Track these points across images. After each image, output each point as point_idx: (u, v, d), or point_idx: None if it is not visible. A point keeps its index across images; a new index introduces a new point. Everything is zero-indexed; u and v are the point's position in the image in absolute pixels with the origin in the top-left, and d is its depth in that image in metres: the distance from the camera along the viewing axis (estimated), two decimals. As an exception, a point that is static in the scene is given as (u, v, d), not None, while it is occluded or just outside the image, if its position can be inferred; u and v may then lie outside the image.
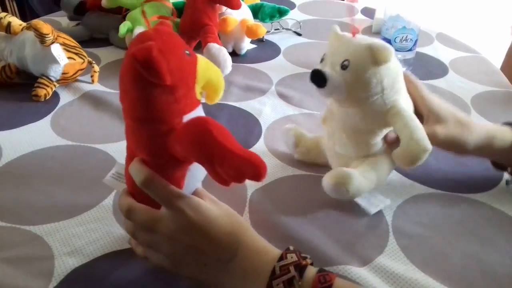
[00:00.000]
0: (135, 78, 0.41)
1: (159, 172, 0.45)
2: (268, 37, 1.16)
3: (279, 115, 0.83)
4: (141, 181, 0.44)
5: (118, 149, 0.72)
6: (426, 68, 1.02)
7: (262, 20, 1.11)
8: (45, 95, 0.85)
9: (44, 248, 0.55)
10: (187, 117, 0.43)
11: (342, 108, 0.58)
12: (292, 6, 1.39)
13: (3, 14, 0.88)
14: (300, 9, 1.38)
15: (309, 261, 0.46)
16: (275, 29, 1.20)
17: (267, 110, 0.85)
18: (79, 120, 0.81)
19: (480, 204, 0.63)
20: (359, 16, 1.34)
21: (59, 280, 0.51)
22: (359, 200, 0.61)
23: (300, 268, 0.44)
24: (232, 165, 0.39)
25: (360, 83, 0.53)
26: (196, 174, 0.48)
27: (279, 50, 1.10)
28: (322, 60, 0.57)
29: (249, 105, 0.86)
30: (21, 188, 0.64)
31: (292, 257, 0.45)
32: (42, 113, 0.82)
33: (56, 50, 0.84)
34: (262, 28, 1.01)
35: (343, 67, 0.53)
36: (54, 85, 0.87)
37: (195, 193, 0.49)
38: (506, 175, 0.67)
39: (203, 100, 0.48)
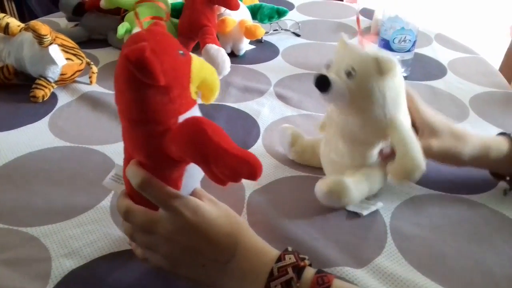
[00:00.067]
0: (129, 79, 0.40)
1: (156, 173, 0.44)
2: (267, 38, 1.16)
3: (277, 116, 0.83)
4: (137, 184, 0.44)
5: (116, 151, 0.72)
6: (425, 69, 1.02)
7: (261, 21, 1.11)
8: (43, 96, 0.85)
9: (41, 250, 0.55)
10: (182, 117, 0.43)
11: (342, 115, 0.59)
12: (291, 7, 1.39)
13: (1, 15, 0.88)
14: (299, 10, 1.38)
15: (307, 262, 0.46)
16: (274, 30, 1.20)
17: (266, 111, 0.85)
18: (77, 121, 0.81)
19: (478, 205, 0.63)
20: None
21: (56, 282, 0.51)
22: (349, 207, 0.61)
23: (298, 270, 0.44)
24: (227, 164, 0.39)
25: (363, 92, 0.54)
26: (194, 174, 0.47)
27: (277, 51, 1.10)
28: (327, 66, 0.57)
29: (248, 106, 0.86)
30: (19, 190, 0.64)
31: (290, 258, 0.45)
32: (40, 114, 0.82)
33: (54, 51, 0.84)
34: (260, 29, 1.01)
35: (349, 75, 0.54)
36: (52, 86, 0.87)
37: (194, 193, 0.49)
38: (503, 183, 0.66)
39: (200, 101, 0.48)
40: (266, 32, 1.15)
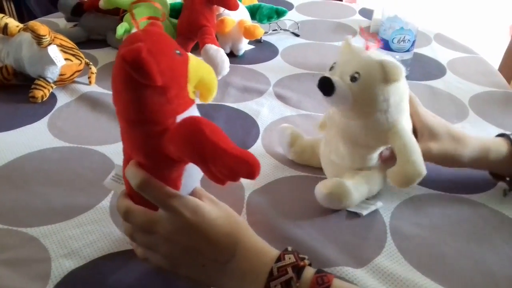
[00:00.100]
0: (126, 79, 0.40)
1: (155, 173, 0.44)
2: (266, 38, 1.16)
3: (276, 116, 0.83)
4: (136, 185, 0.44)
5: (115, 151, 0.72)
6: (424, 69, 1.02)
7: (260, 21, 1.11)
8: (42, 97, 0.85)
9: (40, 250, 0.55)
10: (180, 117, 0.43)
11: (344, 118, 0.58)
12: (290, 7, 1.39)
13: (0, 15, 0.88)
14: (298, 10, 1.38)
15: (307, 262, 0.46)
16: (273, 30, 1.20)
17: (265, 111, 0.85)
18: (76, 122, 0.81)
19: (478, 205, 0.63)
20: (357, 17, 1.34)
21: (56, 283, 0.51)
22: (349, 208, 0.61)
23: (298, 269, 0.44)
24: (225, 163, 0.39)
25: (367, 97, 0.54)
26: (193, 174, 0.47)
27: (277, 51, 1.10)
28: (331, 68, 0.57)
29: (247, 106, 0.86)
30: (18, 190, 0.64)
31: (290, 258, 0.45)
32: (39, 114, 0.82)
33: (53, 51, 0.84)
34: (259, 29, 1.01)
35: (353, 79, 0.53)
36: (51, 87, 0.87)
37: (194, 192, 0.49)
38: (502, 183, 0.66)
39: (199, 101, 0.48)
40: (265, 32, 1.15)
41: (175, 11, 1.05)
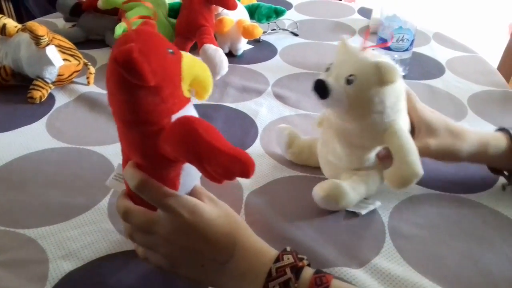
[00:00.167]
0: (119, 81, 0.40)
1: (153, 173, 0.44)
2: (265, 38, 1.16)
3: (275, 116, 0.83)
4: (135, 186, 0.44)
5: (113, 151, 0.72)
6: (423, 68, 1.02)
7: (259, 20, 1.10)
8: (41, 97, 0.85)
9: (38, 251, 0.54)
10: (176, 116, 0.43)
11: (340, 120, 0.58)
12: (289, 6, 1.39)
13: (-2, 16, 0.88)
14: (297, 9, 1.38)
15: (305, 262, 0.46)
16: (272, 30, 1.20)
17: (264, 111, 0.84)
18: (75, 122, 0.80)
19: (476, 205, 0.63)
20: (356, 16, 1.34)
21: (54, 284, 0.51)
22: (347, 208, 0.61)
23: (297, 270, 0.44)
24: (219, 163, 0.39)
25: (362, 100, 0.53)
26: (191, 173, 0.47)
27: (275, 51, 1.09)
28: (327, 69, 0.56)
29: (246, 106, 0.86)
30: (16, 191, 0.64)
31: (288, 259, 0.45)
32: (37, 115, 0.82)
33: (51, 52, 0.84)
34: (258, 29, 1.00)
35: (348, 81, 0.53)
36: (50, 87, 0.87)
37: (193, 191, 0.49)
38: (502, 179, 0.66)
39: (198, 101, 0.47)
40: (264, 32, 1.14)
41: (173, 11, 1.05)
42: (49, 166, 0.69)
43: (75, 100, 0.87)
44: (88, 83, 0.91)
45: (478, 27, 2.95)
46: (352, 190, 0.58)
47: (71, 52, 0.88)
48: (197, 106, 0.47)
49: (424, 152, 0.57)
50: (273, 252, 0.47)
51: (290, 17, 1.25)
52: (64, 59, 0.86)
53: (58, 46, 0.86)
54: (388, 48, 0.93)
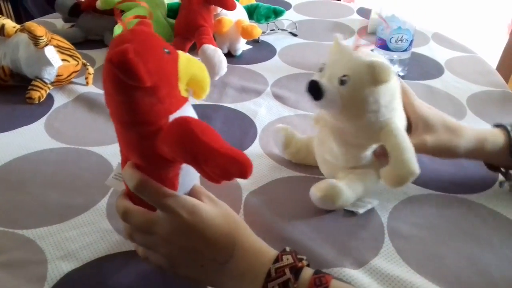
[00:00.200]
0: (115, 82, 0.40)
1: (152, 173, 0.44)
2: (264, 38, 1.16)
3: (274, 117, 0.83)
4: (133, 187, 0.44)
5: (112, 152, 0.72)
6: (422, 68, 1.02)
7: (258, 21, 1.10)
8: (39, 98, 0.85)
9: (37, 252, 0.54)
10: (173, 117, 0.42)
11: (335, 121, 0.58)
12: (288, 6, 1.39)
13: (-3, 16, 0.88)
14: (296, 9, 1.38)
15: (305, 262, 0.46)
16: (271, 30, 1.19)
17: (263, 111, 0.84)
18: (73, 123, 0.80)
19: (475, 205, 0.63)
20: (355, 16, 1.34)
21: (52, 285, 0.50)
22: (345, 207, 0.61)
23: (296, 271, 0.44)
24: (217, 163, 0.39)
25: (356, 100, 0.53)
26: (190, 172, 0.47)
27: (274, 51, 1.09)
28: (321, 70, 0.56)
29: (245, 106, 0.86)
30: (14, 191, 0.64)
31: (287, 259, 0.45)
32: (36, 115, 0.82)
33: (50, 52, 0.84)
34: (257, 29, 1.00)
35: (342, 82, 0.52)
36: (48, 88, 0.87)
37: (193, 191, 0.49)
38: (500, 176, 0.66)
39: (197, 101, 0.47)
40: (263, 32, 1.14)
41: (172, 11, 1.05)
42: (48, 166, 0.69)
43: (74, 100, 0.87)
44: (87, 83, 0.91)
45: (477, 28, 2.95)
46: (349, 189, 0.58)
47: (69, 53, 0.88)
48: (196, 106, 0.47)
49: (421, 149, 0.57)
50: (272, 252, 0.47)
51: (289, 17, 1.25)
52: (62, 60, 0.86)
53: (56, 46, 0.86)
54: (387, 49, 0.93)
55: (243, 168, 0.39)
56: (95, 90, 0.90)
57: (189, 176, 0.47)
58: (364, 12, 1.35)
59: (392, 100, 0.54)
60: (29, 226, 0.58)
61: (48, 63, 0.84)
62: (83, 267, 0.53)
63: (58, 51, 0.86)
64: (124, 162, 0.47)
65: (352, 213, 0.60)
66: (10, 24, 0.88)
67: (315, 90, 0.53)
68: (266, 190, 0.65)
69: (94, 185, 0.64)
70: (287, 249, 0.47)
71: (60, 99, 0.87)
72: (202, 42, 0.92)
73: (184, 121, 0.41)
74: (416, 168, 0.53)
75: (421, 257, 0.55)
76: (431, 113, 0.61)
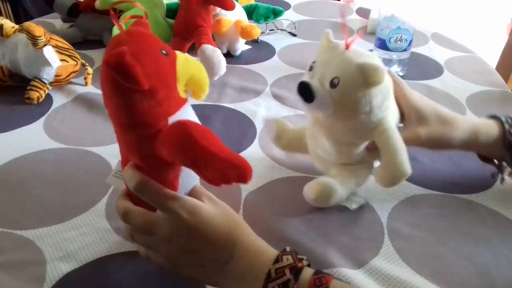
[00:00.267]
0: (112, 84, 0.39)
1: (152, 174, 0.44)
2: (263, 38, 1.15)
3: (273, 117, 0.83)
4: (133, 187, 0.44)
5: (111, 152, 0.72)
6: (421, 68, 1.02)
7: (257, 21, 1.10)
8: (38, 98, 0.85)
9: (36, 252, 0.54)
10: (172, 118, 0.42)
11: (327, 120, 0.57)
12: (287, 6, 1.39)
13: (-5, 16, 0.88)
14: (295, 9, 1.38)
15: (305, 262, 0.46)
16: (270, 30, 1.19)
17: (262, 111, 0.84)
18: (72, 123, 0.80)
19: (475, 205, 0.63)
20: (354, 16, 1.34)
21: (51, 286, 0.50)
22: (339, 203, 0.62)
23: (296, 271, 0.44)
24: (216, 168, 0.39)
25: (348, 102, 0.51)
26: (190, 173, 0.47)
27: (274, 51, 1.09)
28: (311, 68, 0.55)
29: (244, 106, 0.86)
30: (13, 192, 0.64)
31: (288, 259, 0.45)
32: (35, 116, 0.82)
33: (49, 52, 0.84)
34: (256, 29, 1.00)
35: (333, 84, 0.51)
36: (47, 88, 0.86)
37: (193, 191, 0.49)
38: (499, 185, 0.66)
39: (196, 101, 0.47)
40: (262, 32, 1.14)
41: (171, 12, 1.05)
42: (47, 166, 0.69)
43: (73, 100, 0.87)
44: (86, 83, 0.91)
45: (477, 27, 2.95)
46: (342, 186, 0.58)
47: (68, 53, 0.88)
48: (195, 107, 0.47)
49: (414, 142, 0.56)
50: (272, 252, 0.47)
51: (288, 17, 1.25)
52: (61, 60, 0.86)
53: (55, 46, 0.86)
54: (387, 49, 0.93)
55: (242, 173, 0.39)
56: (94, 90, 0.90)
57: (189, 177, 0.47)
58: (363, 12, 1.35)
59: (385, 100, 0.53)
60: (28, 226, 0.58)
61: (46, 63, 0.84)
62: (82, 267, 0.53)
63: (57, 51, 0.86)
64: (124, 162, 0.47)
65: (346, 208, 0.61)
66: (8, 24, 0.88)
67: (306, 93, 0.52)
68: (266, 190, 0.65)
69: (93, 185, 0.64)
70: (288, 249, 0.47)
71: (59, 100, 0.87)
72: (201, 42, 0.92)
73: (183, 125, 0.40)
74: (408, 169, 0.53)
75: (421, 257, 0.55)
76: (423, 103, 0.60)
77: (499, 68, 1.40)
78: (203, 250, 0.45)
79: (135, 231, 0.47)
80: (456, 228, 0.59)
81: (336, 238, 0.57)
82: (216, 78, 0.91)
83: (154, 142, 0.42)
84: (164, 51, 0.42)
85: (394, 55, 0.94)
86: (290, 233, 0.57)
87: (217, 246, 0.45)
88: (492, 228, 0.59)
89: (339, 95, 0.51)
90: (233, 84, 0.93)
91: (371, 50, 1.00)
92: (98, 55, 1.05)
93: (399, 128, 0.56)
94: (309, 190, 0.59)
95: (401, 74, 0.97)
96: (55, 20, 1.23)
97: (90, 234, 0.57)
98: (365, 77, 0.50)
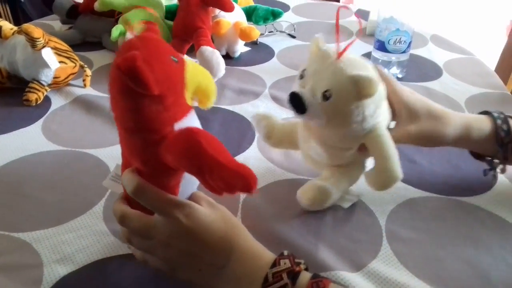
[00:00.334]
0: (122, 88, 0.40)
1: (153, 180, 0.44)
2: (262, 40, 1.15)
3: (272, 119, 0.83)
4: (131, 191, 0.44)
5: (109, 154, 0.72)
6: (420, 70, 1.02)
7: (256, 22, 1.10)
8: (37, 100, 0.85)
9: (33, 255, 0.54)
10: (178, 125, 0.42)
11: (318, 128, 0.56)
12: (286, 8, 1.39)
13: (-6, 18, 0.88)
14: (294, 11, 1.38)
15: (303, 266, 0.46)
16: (269, 32, 1.19)
17: (261, 113, 0.84)
18: (71, 125, 0.80)
19: (474, 208, 0.63)
20: (354, 18, 1.33)
21: (48, 288, 0.50)
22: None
23: (293, 275, 0.44)
24: (221, 177, 0.39)
25: (341, 114, 0.51)
26: (191, 180, 0.47)
27: (273, 53, 1.09)
28: (301, 77, 0.54)
29: (243, 108, 0.86)
30: (11, 194, 0.64)
31: (285, 263, 0.45)
32: (33, 118, 0.81)
33: (47, 54, 0.84)
34: (255, 31, 1.00)
35: (325, 97, 0.50)
36: (46, 90, 0.86)
37: (192, 196, 0.49)
38: (499, 181, 0.66)
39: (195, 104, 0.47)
40: (261, 34, 1.14)
41: (170, 13, 1.05)
42: (45, 169, 0.69)
43: (71, 102, 0.87)
44: (85, 85, 0.91)
45: (476, 29, 2.96)
46: (335, 188, 0.59)
47: (67, 55, 0.88)
48: (193, 109, 0.47)
49: (405, 139, 0.56)
50: (270, 256, 0.47)
51: (287, 19, 1.25)
52: (60, 62, 0.86)
53: (54, 48, 0.86)
54: (386, 50, 0.93)
55: (247, 183, 0.39)
56: (93, 92, 0.90)
57: (189, 184, 0.48)
58: (362, 14, 1.35)
59: (377, 109, 0.53)
60: (25, 229, 0.57)
61: (45, 65, 0.84)
62: (79, 270, 0.52)
63: (56, 53, 0.86)
64: (125, 166, 0.47)
65: (341, 208, 0.61)
66: (7, 26, 0.88)
67: (297, 104, 0.51)
68: (264, 192, 0.65)
69: (90, 188, 0.64)
70: (285, 252, 0.47)
71: (57, 101, 0.87)
72: (200, 44, 0.92)
73: (190, 132, 0.41)
74: (399, 174, 0.53)
75: (420, 260, 0.55)
76: (414, 98, 0.59)
77: (498, 70, 1.40)
78: (201, 254, 0.45)
79: (133, 235, 0.47)
80: (455, 231, 0.59)
81: (334, 241, 0.57)
82: (215, 80, 0.91)
83: (158, 147, 0.42)
84: (174, 58, 0.42)
85: (393, 57, 0.94)
86: (288, 236, 0.57)
87: (215, 250, 0.45)
88: (491, 231, 0.59)
89: (331, 108, 0.50)
90: (232, 86, 0.93)
91: (370, 52, 1.00)
92: (97, 57, 1.05)
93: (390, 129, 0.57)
94: (303, 196, 0.60)
95: (400, 76, 0.97)
96: (54, 22, 1.23)
97: (87, 236, 0.57)
98: (359, 90, 0.49)
